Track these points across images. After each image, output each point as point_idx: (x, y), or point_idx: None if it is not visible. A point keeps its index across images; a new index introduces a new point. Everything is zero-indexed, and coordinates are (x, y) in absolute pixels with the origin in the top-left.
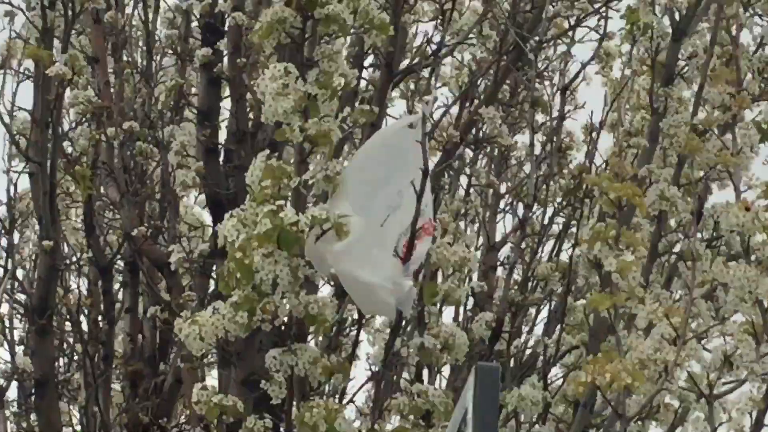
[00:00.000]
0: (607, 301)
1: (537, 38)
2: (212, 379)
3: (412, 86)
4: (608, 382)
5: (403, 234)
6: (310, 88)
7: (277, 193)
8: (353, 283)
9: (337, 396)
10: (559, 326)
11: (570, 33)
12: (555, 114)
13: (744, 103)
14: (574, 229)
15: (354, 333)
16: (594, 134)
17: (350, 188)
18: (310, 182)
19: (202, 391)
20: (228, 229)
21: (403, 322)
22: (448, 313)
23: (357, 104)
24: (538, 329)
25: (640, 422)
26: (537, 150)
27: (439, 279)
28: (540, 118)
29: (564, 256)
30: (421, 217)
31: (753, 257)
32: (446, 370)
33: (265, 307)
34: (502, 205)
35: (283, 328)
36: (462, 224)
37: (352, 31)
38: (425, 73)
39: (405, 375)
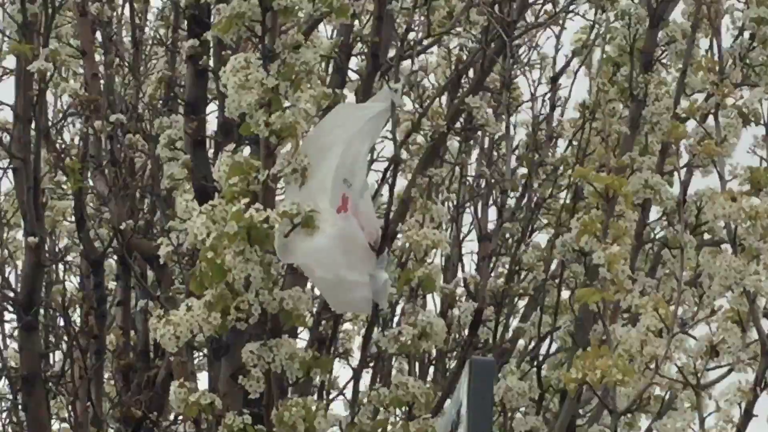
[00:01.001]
0: (596, 295)
1: (519, 26)
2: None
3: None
4: (599, 378)
5: (371, 223)
6: (271, 81)
7: (245, 188)
8: (329, 282)
9: (324, 392)
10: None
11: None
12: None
13: (727, 91)
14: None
15: (346, 326)
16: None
17: (331, 185)
18: (279, 176)
19: (180, 389)
20: (197, 227)
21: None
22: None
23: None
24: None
25: (630, 415)
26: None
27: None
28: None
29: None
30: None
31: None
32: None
33: (239, 306)
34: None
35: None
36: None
37: (310, 15)
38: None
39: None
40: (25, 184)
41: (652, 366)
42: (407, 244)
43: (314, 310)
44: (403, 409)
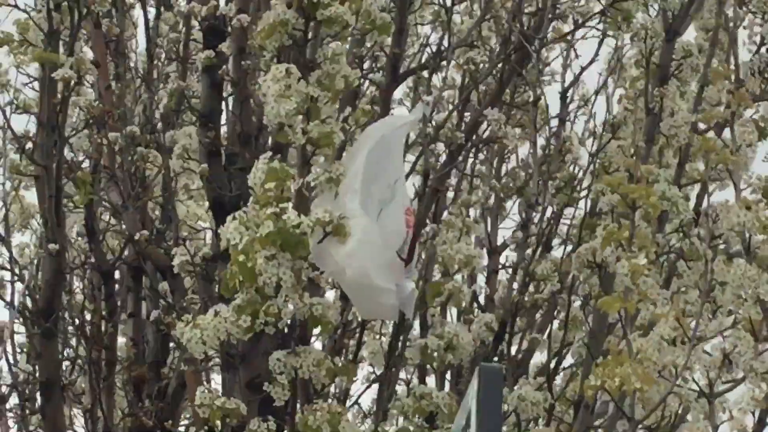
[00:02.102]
0: (618, 303)
1: (540, 39)
2: (216, 383)
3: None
4: (617, 386)
5: (398, 233)
6: (312, 90)
7: (280, 195)
8: (359, 287)
9: (341, 398)
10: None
11: (571, 36)
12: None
13: (743, 100)
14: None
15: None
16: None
17: (359, 185)
18: (313, 184)
19: (205, 394)
20: (231, 231)
21: (406, 324)
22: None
23: (358, 104)
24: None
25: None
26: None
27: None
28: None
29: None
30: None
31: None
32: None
33: (268, 310)
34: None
35: (286, 330)
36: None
37: (353, 32)
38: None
39: (403, 375)
40: (47, 192)
41: (670, 375)
42: (440, 258)
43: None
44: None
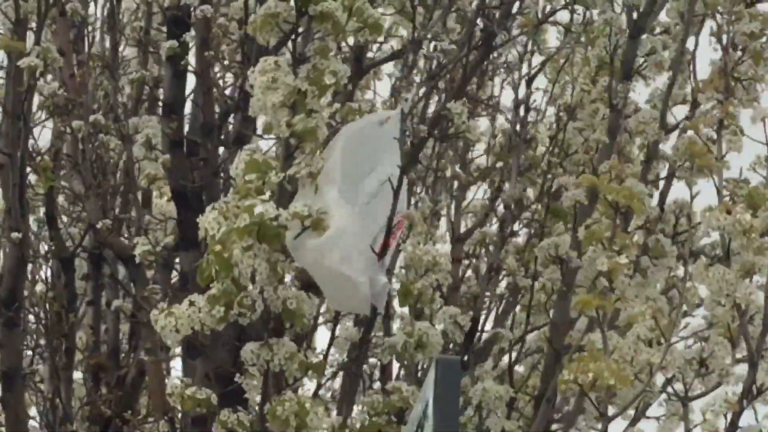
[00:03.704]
0: (594, 302)
1: (505, 32)
2: (176, 371)
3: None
4: (591, 382)
5: (381, 230)
6: (300, 83)
7: (260, 186)
8: (335, 277)
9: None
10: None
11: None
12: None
13: (730, 108)
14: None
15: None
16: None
17: (338, 176)
18: (295, 177)
19: (176, 383)
20: (209, 221)
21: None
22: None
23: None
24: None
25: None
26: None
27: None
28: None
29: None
30: (397, 213)
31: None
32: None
33: (242, 301)
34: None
35: (255, 322)
36: (428, 218)
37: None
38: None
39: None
40: (11, 180)
41: (645, 374)
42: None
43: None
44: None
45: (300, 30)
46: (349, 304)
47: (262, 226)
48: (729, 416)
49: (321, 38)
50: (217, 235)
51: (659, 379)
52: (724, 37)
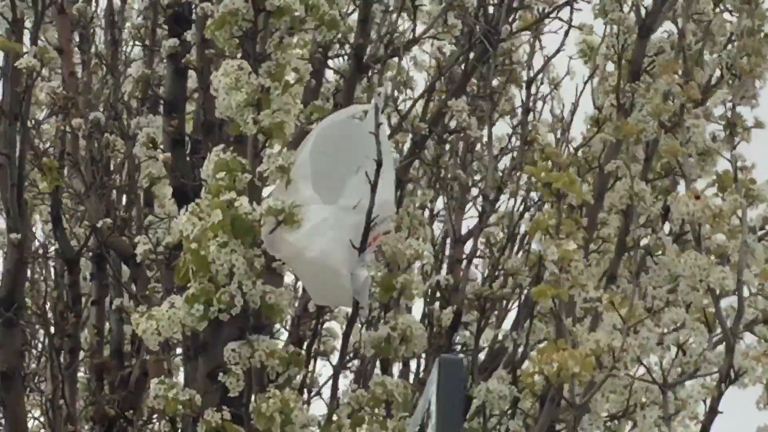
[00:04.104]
0: (550, 291)
1: (503, 30)
2: (181, 371)
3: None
4: (555, 371)
5: (361, 225)
6: (262, 80)
7: (232, 185)
8: (316, 270)
9: (304, 389)
10: (528, 319)
11: (536, 25)
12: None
13: (693, 94)
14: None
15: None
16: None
17: (311, 171)
18: (265, 174)
19: (160, 385)
20: (183, 223)
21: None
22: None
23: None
24: (507, 324)
25: (616, 421)
26: (500, 143)
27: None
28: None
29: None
30: (384, 217)
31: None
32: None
33: (221, 298)
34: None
35: (250, 320)
36: (425, 216)
37: (304, 26)
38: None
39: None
40: (9, 181)
41: (609, 361)
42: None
43: (293, 312)
44: (381, 407)
45: (259, 28)
46: (331, 296)
47: (236, 221)
48: (708, 401)
49: (281, 36)
50: (191, 235)
51: (641, 370)
52: (680, 20)
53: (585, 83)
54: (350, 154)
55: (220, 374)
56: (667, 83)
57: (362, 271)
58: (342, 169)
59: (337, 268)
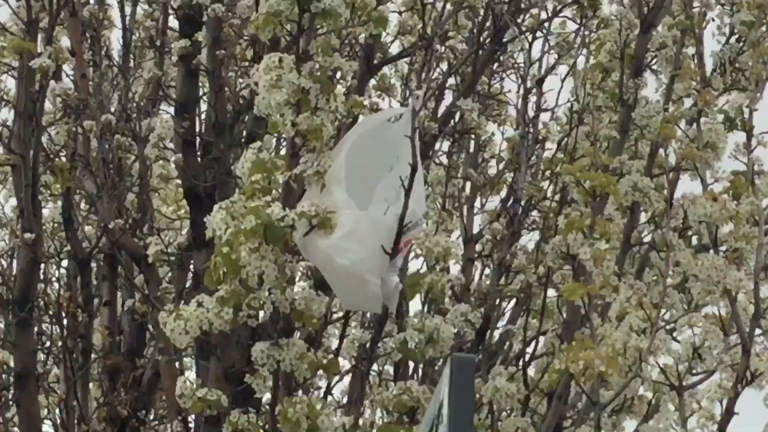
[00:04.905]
0: (580, 290)
1: (514, 29)
2: (191, 372)
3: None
4: (582, 370)
5: (393, 230)
6: (304, 81)
7: (266, 186)
8: (346, 277)
9: (320, 391)
10: (524, 314)
11: (546, 24)
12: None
13: (709, 98)
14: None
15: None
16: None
17: (345, 175)
18: (301, 176)
19: (186, 385)
20: (216, 222)
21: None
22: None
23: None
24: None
25: (614, 416)
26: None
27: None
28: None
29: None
30: (416, 221)
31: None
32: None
33: (251, 303)
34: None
35: (266, 322)
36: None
37: (348, 25)
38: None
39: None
40: (23, 181)
41: (634, 361)
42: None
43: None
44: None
45: (303, 28)
46: (361, 303)
47: (268, 228)
48: (724, 402)
49: (324, 35)
50: (224, 236)
51: (656, 372)
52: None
53: (563, 81)
54: (383, 157)
55: (247, 375)
56: (685, 88)
57: (393, 277)
58: (375, 172)
59: (367, 276)
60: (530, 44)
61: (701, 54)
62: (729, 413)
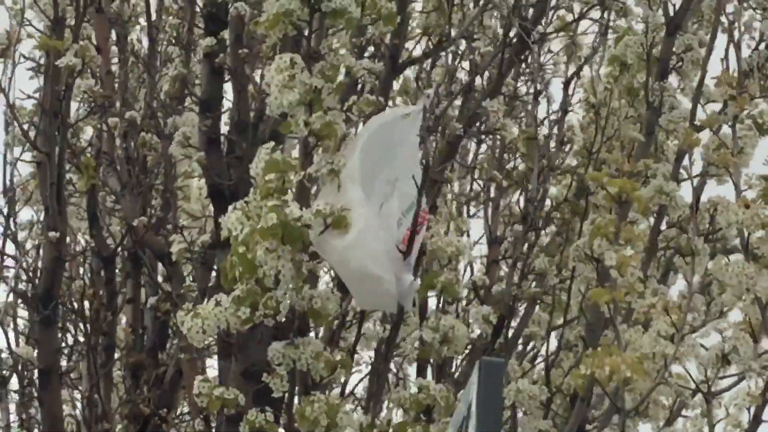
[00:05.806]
0: (607, 295)
1: (540, 30)
2: (213, 370)
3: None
4: (608, 376)
5: (399, 225)
6: (315, 81)
7: (281, 186)
8: (361, 277)
9: (337, 390)
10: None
11: (573, 26)
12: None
13: (744, 104)
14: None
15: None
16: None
17: (360, 174)
18: (315, 176)
19: (203, 383)
20: (232, 222)
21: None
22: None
23: (359, 95)
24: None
25: (631, 419)
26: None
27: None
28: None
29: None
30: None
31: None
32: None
33: (267, 302)
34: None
35: (284, 321)
36: (464, 215)
37: (359, 24)
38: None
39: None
40: (48, 179)
41: (660, 367)
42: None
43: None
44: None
45: (314, 28)
46: (376, 302)
47: (286, 227)
48: (752, 410)
49: (334, 34)
50: (240, 235)
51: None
52: (736, 33)
53: (569, 80)
54: (395, 155)
55: (264, 374)
56: (721, 94)
57: (408, 276)
58: (387, 170)
59: (381, 275)
60: (539, 47)
61: (739, 58)
62: (757, 420)
